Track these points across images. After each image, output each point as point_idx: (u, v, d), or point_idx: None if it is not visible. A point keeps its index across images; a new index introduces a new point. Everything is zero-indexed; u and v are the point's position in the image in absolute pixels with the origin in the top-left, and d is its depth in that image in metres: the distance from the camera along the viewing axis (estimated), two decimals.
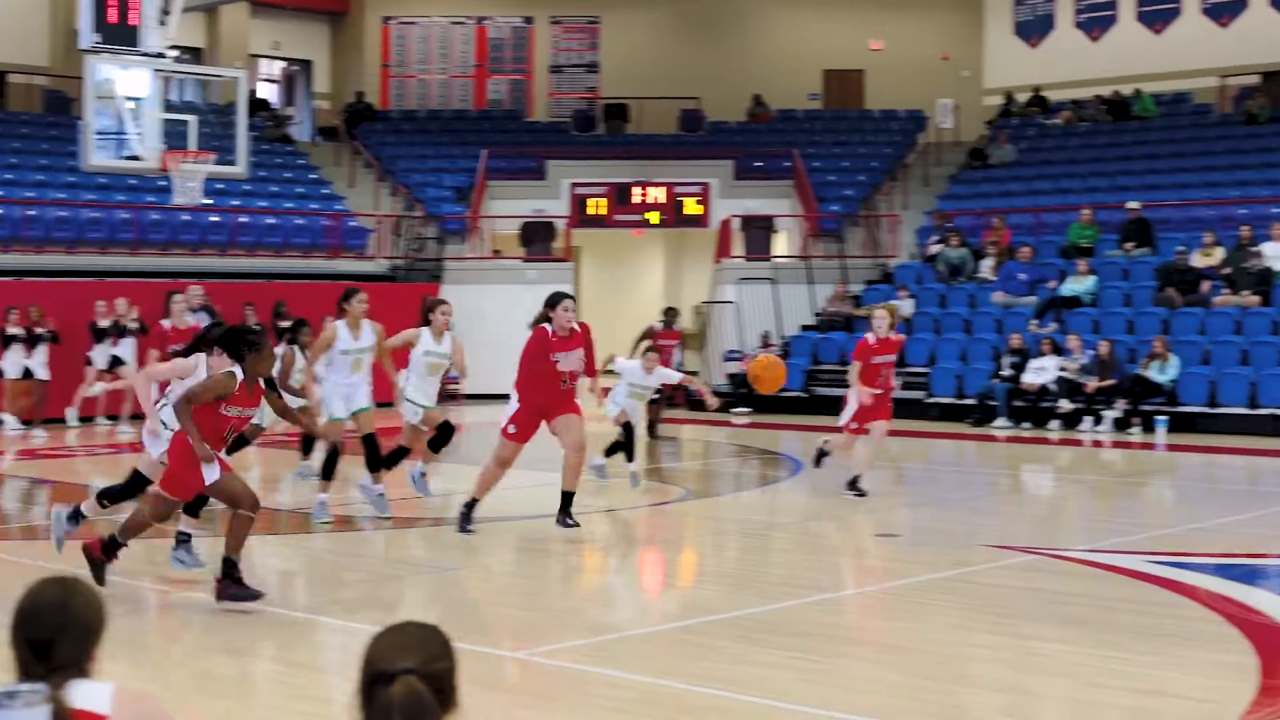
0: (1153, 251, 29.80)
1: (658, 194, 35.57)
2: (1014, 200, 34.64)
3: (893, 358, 16.10)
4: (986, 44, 42.27)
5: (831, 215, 35.91)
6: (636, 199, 35.58)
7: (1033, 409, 26.11)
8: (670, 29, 42.88)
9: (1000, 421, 26.16)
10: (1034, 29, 41.45)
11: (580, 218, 35.53)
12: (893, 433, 16.91)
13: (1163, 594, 10.81)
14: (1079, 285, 28.94)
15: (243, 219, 32.23)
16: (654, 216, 35.79)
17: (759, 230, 35.41)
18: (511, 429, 12.90)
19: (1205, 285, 27.71)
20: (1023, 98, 40.24)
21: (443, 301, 15.44)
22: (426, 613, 9.94)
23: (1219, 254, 28.43)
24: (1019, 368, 26.57)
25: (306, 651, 9.25)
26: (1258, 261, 27.52)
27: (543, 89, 43.21)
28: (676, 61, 42.08)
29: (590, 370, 13.62)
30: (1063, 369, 26.07)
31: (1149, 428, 24.80)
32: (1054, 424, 25.72)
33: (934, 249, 32.43)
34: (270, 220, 32.82)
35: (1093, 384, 25.58)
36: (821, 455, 16.49)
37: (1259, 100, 35.87)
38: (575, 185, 35.77)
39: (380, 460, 14.44)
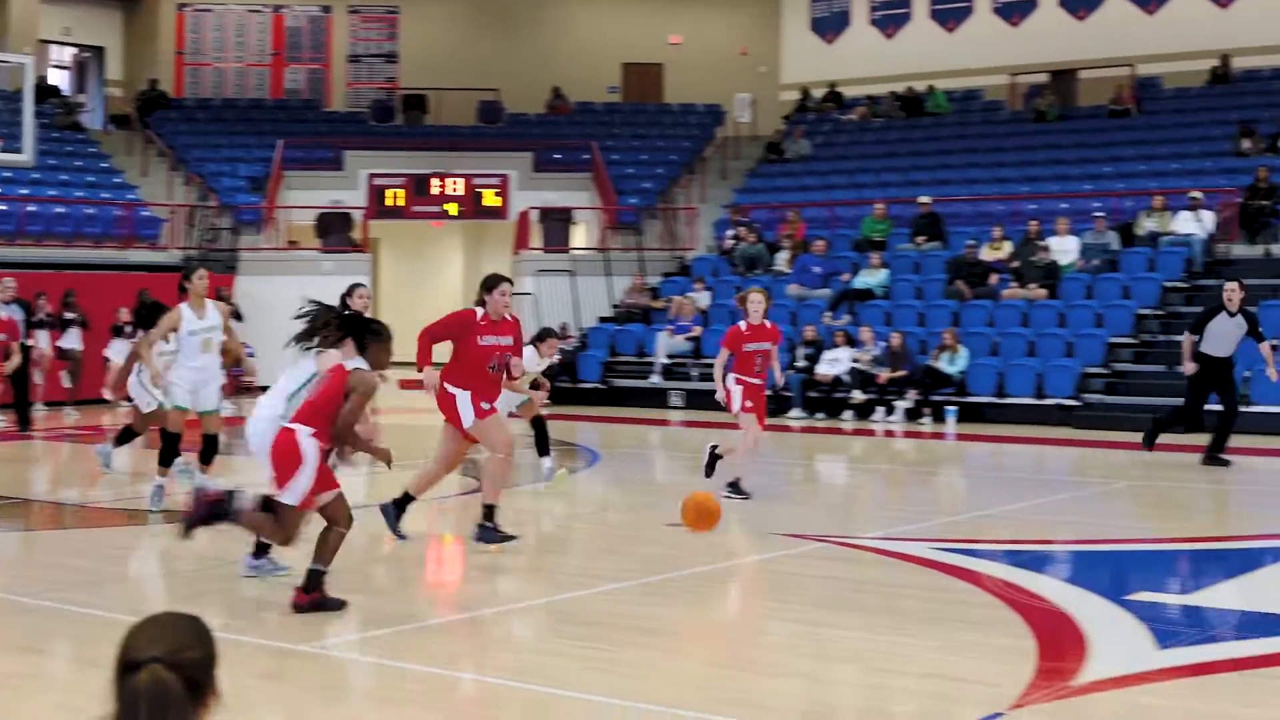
0: (943, 245, 30.35)
1: (456, 185, 35.42)
2: (809, 194, 35.09)
3: (768, 346, 15.49)
4: (784, 40, 42.70)
5: (630, 208, 36.07)
6: (435, 190, 35.40)
7: (826, 400, 26.48)
8: (469, 20, 42.76)
9: (795, 412, 26.48)
10: (830, 25, 41.95)
11: (378, 209, 35.29)
12: (689, 424, 16.98)
13: (950, 580, 11.00)
14: (871, 278, 29.39)
15: (31, 208, 31.58)
16: (453, 208, 35.64)
17: (557, 222, 35.48)
18: (484, 405, 12.09)
19: (994, 278, 28.29)
20: (819, 93, 40.70)
21: (359, 284, 14.67)
22: (220, 607, 9.84)
23: (1007, 248, 29.06)
24: (813, 359, 26.93)
25: (105, 649, 9.08)
26: (1045, 255, 28.16)
27: (340, 79, 42.89)
28: (476, 53, 41.98)
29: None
30: (856, 360, 26.48)
31: (939, 418, 25.29)
32: (847, 414, 26.12)
33: (730, 242, 32.72)
34: (60, 209, 32.18)
35: (885, 375, 26.01)
36: (714, 460, 15.85)
37: (1048, 98, 36.67)
38: (373, 176, 35.53)
39: (214, 455, 14.24)
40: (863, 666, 8.57)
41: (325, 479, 9.66)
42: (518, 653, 8.83)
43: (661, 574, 11.26)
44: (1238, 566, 11.84)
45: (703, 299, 30.29)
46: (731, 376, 15.51)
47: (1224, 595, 10.71)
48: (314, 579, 9.69)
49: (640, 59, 43.04)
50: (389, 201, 35.35)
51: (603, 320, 32.18)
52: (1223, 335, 18.86)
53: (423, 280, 41.76)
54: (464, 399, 12.09)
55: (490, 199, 35.58)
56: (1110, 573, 12.00)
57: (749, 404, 15.44)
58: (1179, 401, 20.13)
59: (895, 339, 26.31)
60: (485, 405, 12.03)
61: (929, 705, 7.81)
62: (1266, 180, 29.34)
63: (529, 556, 12.56)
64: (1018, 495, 16.78)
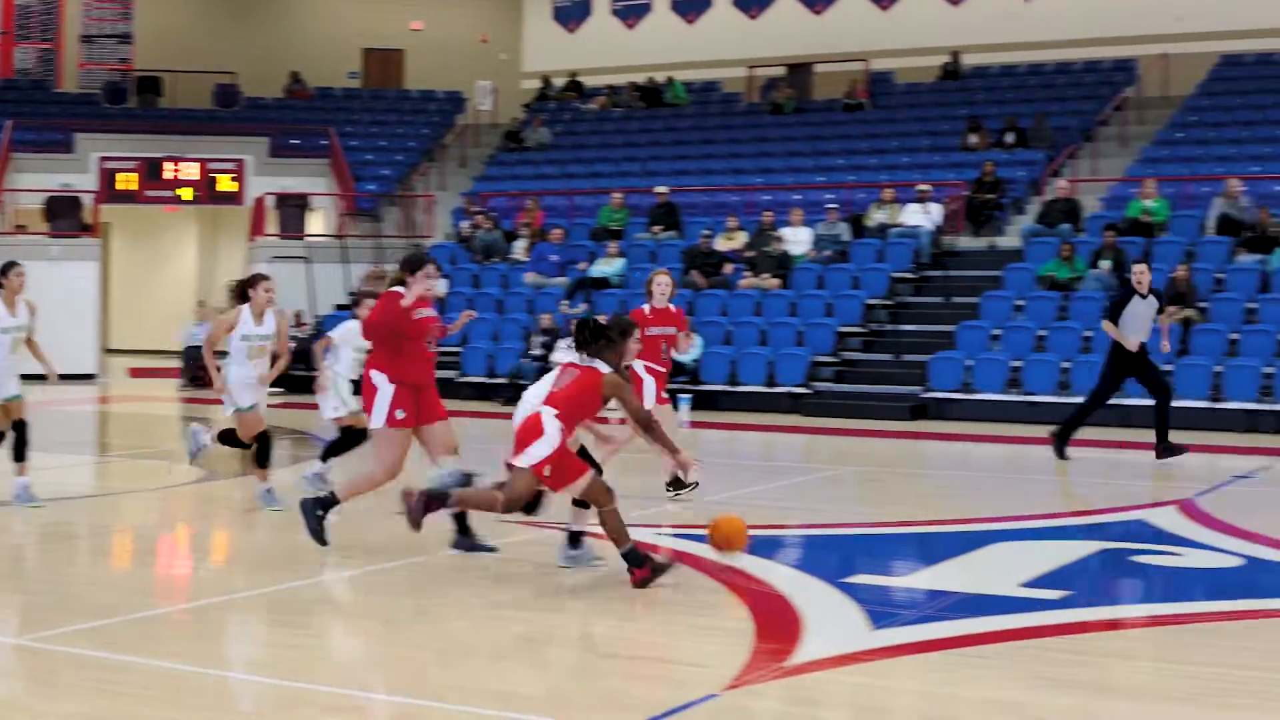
0: (679, 235, 30.64)
1: (191, 170, 34.86)
2: (548, 183, 35.20)
3: (673, 330, 14.78)
4: (525, 28, 42.78)
5: (368, 195, 35.87)
6: (169, 175, 34.79)
7: None
8: (206, 1, 42.10)
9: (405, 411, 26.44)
10: (572, 14, 42.10)
11: (109, 193, 34.58)
12: None
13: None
14: (608, 267, 29.58)
15: None
16: (186, 193, 35.06)
17: (293, 208, 35.12)
18: (400, 414, 11.30)
19: (728, 268, 28.64)
20: (560, 82, 40.83)
21: (264, 277, 13.95)
22: None
23: (741, 238, 29.46)
24: (549, 347, 26.99)
25: None
26: (778, 245, 28.60)
27: (72, 59, 41.91)
28: (212, 35, 41.39)
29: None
30: None
31: (674, 405, 25.48)
32: None
33: (468, 229, 32.69)
34: None
35: None
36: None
37: (784, 91, 37.21)
38: (104, 159, 34.78)
39: (26, 450, 13.61)
40: (586, 650, 8.67)
41: (575, 466, 10.22)
42: (235, 643, 8.76)
43: (384, 563, 11.23)
44: (953, 549, 12.15)
45: (440, 286, 30.19)
46: (639, 363, 14.34)
47: (938, 577, 11.00)
48: (634, 558, 10.17)
49: (381, 45, 42.83)
50: (121, 185, 34.63)
51: (339, 308, 31.87)
52: (1138, 318, 18.28)
53: (155, 266, 41.05)
54: (384, 397, 11.33)
55: (225, 184, 35.08)
56: (831, 556, 12.28)
57: (665, 395, 14.82)
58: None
59: None
60: (400, 414, 11.31)
61: (647, 687, 7.92)
62: (992, 174, 30.16)
63: (249, 547, 12.45)
64: (747, 481, 17.03)
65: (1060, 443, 18.48)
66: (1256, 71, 34.33)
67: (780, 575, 10.83)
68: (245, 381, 13.71)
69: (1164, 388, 18.52)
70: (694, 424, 23.98)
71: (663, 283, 14.95)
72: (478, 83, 40.65)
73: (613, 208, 31.85)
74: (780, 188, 32.37)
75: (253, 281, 13.78)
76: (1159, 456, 18.27)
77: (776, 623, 9.23)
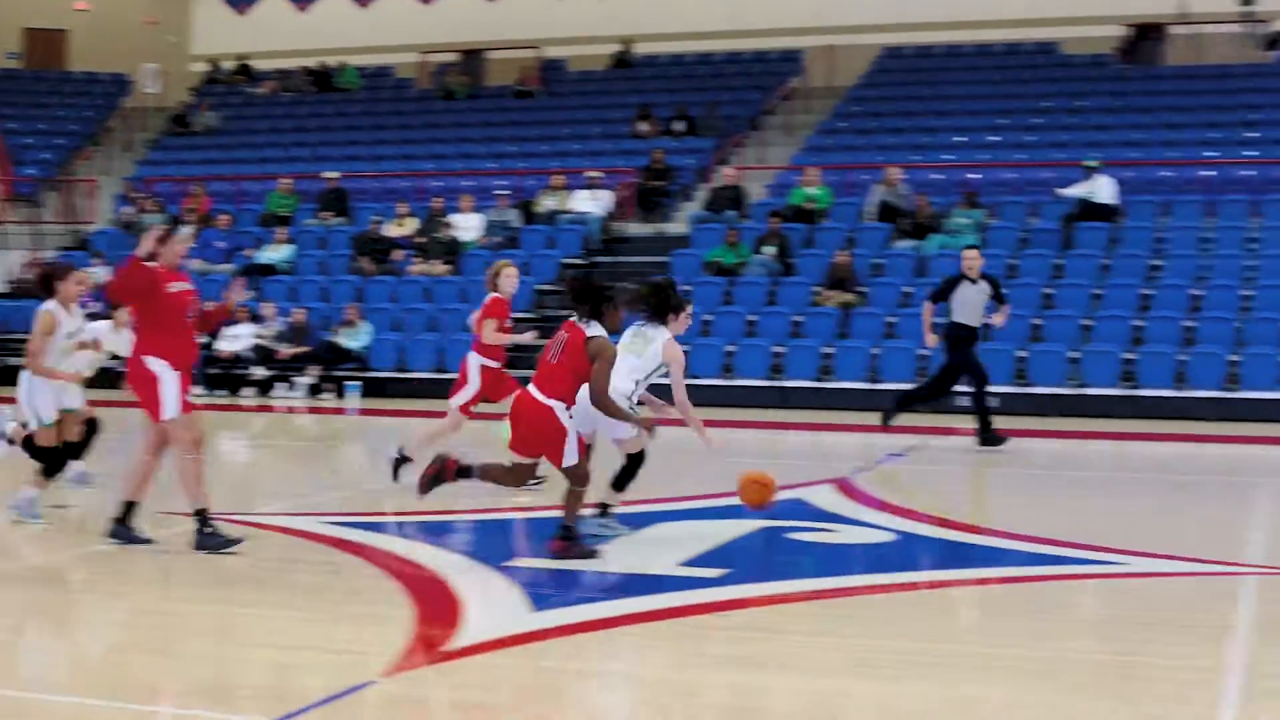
0: (349, 221, 30.42)
1: None
2: (215, 168, 34.65)
3: (509, 324, 14.42)
4: (194, 10, 42.12)
5: (27, 179, 34.87)
6: None
7: (227, 376, 26.21)
8: None
9: (195, 389, 26.08)
10: None
11: None
12: (93, 402, 16.35)
13: (336, 553, 11.06)
14: (276, 253, 29.26)
15: None
16: None
17: None
18: (190, 396, 10.83)
19: (398, 254, 28.54)
20: (230, 65, 40.19)
21: (72, 267, 12.56)
22: None
23: (412, 224, 29.38)
24: (214, 335, 26.58)
25: None
26: (448, 232, 28.60)
27: None
28: None
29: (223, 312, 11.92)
30: (258, 336, 26.29)
31: (341, 393, 25.38)
32: (248, 391, 25.93)
33: (131, 215, 32.00)
34: None
35: (287, 351, 25.93)
36: (402, 461, 14.60)
37: (457, 77, 37.18)
38: None
39: None
40: (240, 640, 8.55)
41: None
42: None
43: (45, 556, 10.95)
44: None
45: (102, 275, 29.46)
46: (477, 360, 14.45)
47: (600, 558, 11.08)
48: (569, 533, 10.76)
49: (43, 24, 41.64)
50: None
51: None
52: (969, 304, 18.27)
53: None
54: (170, 385, 10.69)
55: None
56: (494, 540, 12.31)
57: (473, 409, 14.59)
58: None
59: (298, 315, 26.25)
60: (191, 396, 10.81)
61: (303, 676, 7.83)
62: (662, 162, 30.55)
63: None
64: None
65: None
66: (916, 64, 35.38)
67: (442, 560, 10.82)
68: (51, 390, 12.73)
69: (983, 376, 18.52)
70: (362, 411, 23.85)
71: (513, 275, 14.55)
72: (144, 65, 39.76)
73: (281, 193, 31.48)
74: (451, 174, 32.35)
75: (61, 272, 12.40)
76: (982, 444, 18.36)
77: (436, 608, 9.21)
